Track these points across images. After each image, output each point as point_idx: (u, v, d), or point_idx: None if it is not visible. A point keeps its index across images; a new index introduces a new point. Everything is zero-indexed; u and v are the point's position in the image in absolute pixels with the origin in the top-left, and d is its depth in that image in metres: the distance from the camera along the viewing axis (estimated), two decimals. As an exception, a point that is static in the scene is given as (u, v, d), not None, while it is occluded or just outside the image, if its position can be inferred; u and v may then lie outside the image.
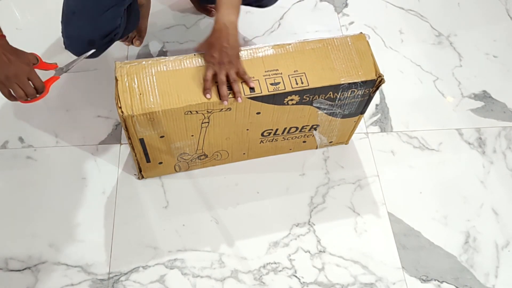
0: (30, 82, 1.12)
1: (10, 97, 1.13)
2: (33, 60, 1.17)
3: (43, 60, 1.19)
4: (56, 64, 1.23)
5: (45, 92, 1.16)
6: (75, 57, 1.28)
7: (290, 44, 1.28)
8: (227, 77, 1.19)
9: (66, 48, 1.37)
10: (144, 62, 1.22)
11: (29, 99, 1.14)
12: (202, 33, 1.78)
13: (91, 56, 1.34)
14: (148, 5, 1.70)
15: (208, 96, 1.18)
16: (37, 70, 1.16)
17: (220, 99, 1.19)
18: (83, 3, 1.34)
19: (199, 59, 1.23)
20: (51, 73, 1.22)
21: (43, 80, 1.16)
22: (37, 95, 1.15)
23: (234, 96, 1.19)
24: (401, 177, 1.54)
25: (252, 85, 1.21)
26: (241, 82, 1.21)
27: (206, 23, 1.81)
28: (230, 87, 1.19)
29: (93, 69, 1.66)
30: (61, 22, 1.36)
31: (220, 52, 1.17)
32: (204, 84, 1.19)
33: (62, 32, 1.36)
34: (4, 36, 1.15)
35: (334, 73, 1.25)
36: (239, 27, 1.20)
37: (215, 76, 1.19)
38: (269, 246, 1.39)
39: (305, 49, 1.28)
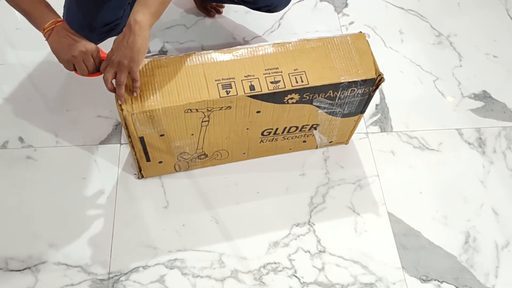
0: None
1: (69, 66, 1.18)
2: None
3: (102, 51, 1.22)
4: None
5: (101, 72, 1.20)
6: None
7: (290, 42, 1.28)
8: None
9: None
10: (144, 61, 1.22)
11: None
12: (202, 33, 1.78)
13: (97, 40, 1.37)
14: None
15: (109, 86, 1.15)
16: None
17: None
18: None
19: (199, 57, 1.24)
20: None
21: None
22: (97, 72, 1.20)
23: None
24: (401, 177, 1.54)
25: (135, 95, 1.16)
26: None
27: (206, 23, 1.81)
28: None
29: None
30: (64, 6, 1.37)
31: (117, 50, 1.11)
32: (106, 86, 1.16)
33: (63, 16, 1.36)
34: (64, 21, 1.18)
35: (334, 71, 1.25)
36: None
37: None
38: (269, 246, 1.39)
39: (305, 48, 1.28)
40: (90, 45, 1.16)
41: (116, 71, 1.12)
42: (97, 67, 1.18)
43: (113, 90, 1.15)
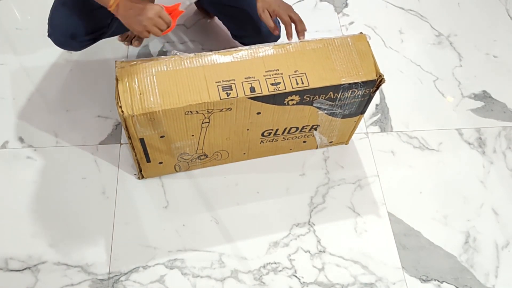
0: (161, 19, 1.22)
1: (145, 34, 1.23)
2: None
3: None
4: (179, 3, 1.28)
5: (172, 26, 1.25)
6: None
7: (290, 44, 1.28)
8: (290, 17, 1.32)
9: (48, 36, 1.38)
10: (144, 62, 1.22)
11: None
12: (202, 33, 1.78)
13: (71, 49, 1.42)
14: None
15: (277, 33, 1.36)
16: None
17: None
18: None
19: (200, 59, 1.23)
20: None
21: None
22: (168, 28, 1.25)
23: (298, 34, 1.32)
24: (401, 177, 1.54)
25: (302, 38, 1.32)
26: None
27: (206, 23, 1.81)
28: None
29: (93, 69, 1.66)
30: (50, 9, 1.36)
31: (274, 2, 1.31)
32: (267, 22, 1.34)
33: (48, 19, 1.36)
34: None
35: (334, 73, 1.25)
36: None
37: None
38: (269, 246, 1.39)
39: (306, 49, 1.28)
40: (154, 9, 1.20)
41: (286, 13, 1.31)
42: (167, 25, 1.23)
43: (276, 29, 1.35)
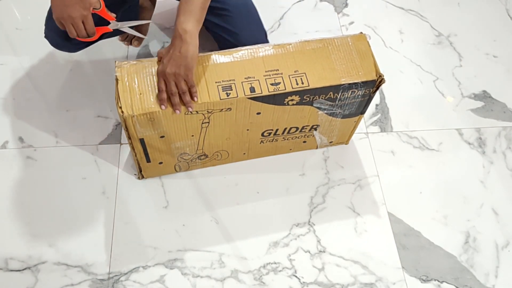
0: (84, 25, 1.20)
1: (61, 26, 1.21)
2: (96, 5, 1.19)
3: (106, 9, 1.23)
4: (115, 17, 1.26)
5: (95, 37, 1.23)
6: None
7: (290, 44, 1.28)
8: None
9: (45, 37, 1.39)
10: (144, 62, 1.22)
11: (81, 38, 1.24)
12: (202, 33, 1.77)
13: (67, 50, 1.41)
14: (151, 9, 1.70)
15: (163, 107, 1.17)
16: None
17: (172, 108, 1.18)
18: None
19: (200, 59, 1.23)
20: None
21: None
22: (88, 37, 1.23)
23: (184, 105, 1.18)
24: (401, 177, 1.54)
25: (195, 100, 1.18)
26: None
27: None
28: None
29: (93, 69, 1.66)
30: (48, 10, 1.37)
31: (170, 62, 1.15)
32: (158, 95, 1.17)
33: (45, 20, 1.37)
34: None
35: (334, 73, 1.25)
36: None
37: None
38: (269, 246, 1.39)
39: (306, 49, 1.28)
40: (80, 11, 1.17)
41: (174, 81, 1.15)
42: (88, 34, 1.21)
43: (164, 100, 1.17)
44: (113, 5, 1.30)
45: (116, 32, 1.38)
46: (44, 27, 1.38)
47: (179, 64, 1.14)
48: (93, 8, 1.19)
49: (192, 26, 1.15)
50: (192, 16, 1.15)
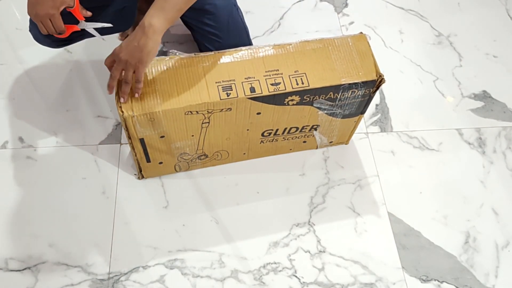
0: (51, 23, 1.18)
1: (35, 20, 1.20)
2: (69, 3, 1.18)
3: (79, 8, 1.22)
4: (85, 18, 1.24)
5: (65, 34, 1.22)
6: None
7: (290, 44, 1.28)
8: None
9: (29, 30, 1.39)
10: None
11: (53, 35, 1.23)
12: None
13: (48, 46, 1.41)
14: None
15: (109, 92, 1.15)
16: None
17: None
18: None
19: (199, 59, 1.24)
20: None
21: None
22: (59, 34, 1.23)
23: (118, 96, 1.17)
24: (401, 177, 1.54)
25: (136, 96, 1.16)
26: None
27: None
28: None
29: (93, 69, 1.66)
30: None
31: (126, 48, 1.11)
32: (109, 80, 1.15)
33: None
34: None
35: (334, 73, 1.25)
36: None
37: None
38: (269, 246, 1.39)
39: (306, 49, 1.28)
40: (49, 8, 1.15)
41: (123, 68, 1.13)
42: (56, 31, 1.20)
43: (112, 88, 1.16)
44: (97, 8, 1.29)
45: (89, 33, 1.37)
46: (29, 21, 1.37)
47: (133, 54, 1.10)
48: (67, 7, 1.18)
49: (159, 23, 1.11)
50: (164, 13, 1.11)
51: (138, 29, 1.11)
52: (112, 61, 1.15)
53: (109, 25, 1.31)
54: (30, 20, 1.37)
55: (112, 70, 1.14)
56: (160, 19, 1.11)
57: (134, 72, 1.13)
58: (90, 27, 1.26)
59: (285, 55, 1.26)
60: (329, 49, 1.29)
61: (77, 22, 1.24)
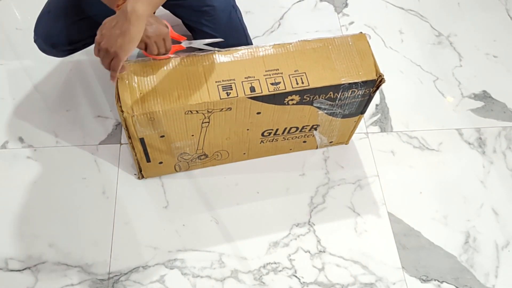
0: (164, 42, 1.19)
1: (144, 50, 1.19)
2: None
3: (173, 31, 1.23)
4: (186, 37, 1.27)
5: (169, 54, 1.23)
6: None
7: (290, 43, 1.28)
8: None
9: (34, 41, 1.39)
10: (144, 62, 1.22)
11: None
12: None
13: (54, 56, 1.41)
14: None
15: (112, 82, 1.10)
16: None
17: None
18: (61, 5, 1.34)
19: (199, 59, 1.23)
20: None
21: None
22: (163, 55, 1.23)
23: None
24: (401, 177, 1.54)
25: (111, 82, 1.08)
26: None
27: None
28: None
29: (93, 69, 1.66)
30: (37, 18, 1.37)
31: (106, 36, 1.02)
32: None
33: (34, 27, 1.37)
34: None
35: (334, 73, 1.25)
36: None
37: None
38: (269, 246, 1.39)
39: (306, 49, 1.28)
40: (163, 28, 1.17)
41: (103, 57, 1.05)
42: (167, 50, 1.21)
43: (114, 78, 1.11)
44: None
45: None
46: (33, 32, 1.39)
47: (114, 42, 1.01)
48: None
49: (143, 8, 1.02)
50: None
51: (120, 14, 1.03)
52: (98, 50, 1.07)
53: (220, 39, 1.28)
54: (35, 31, 1.37)
55: (101, 62, 1.07)
56: (144, 5, 1.02)
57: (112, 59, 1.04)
58: (199, 44, 1.27)
59: (285, 54, 1.26)
60: (329, 48, 1.29)
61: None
